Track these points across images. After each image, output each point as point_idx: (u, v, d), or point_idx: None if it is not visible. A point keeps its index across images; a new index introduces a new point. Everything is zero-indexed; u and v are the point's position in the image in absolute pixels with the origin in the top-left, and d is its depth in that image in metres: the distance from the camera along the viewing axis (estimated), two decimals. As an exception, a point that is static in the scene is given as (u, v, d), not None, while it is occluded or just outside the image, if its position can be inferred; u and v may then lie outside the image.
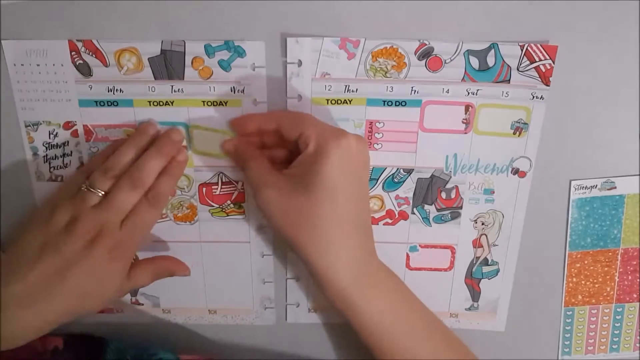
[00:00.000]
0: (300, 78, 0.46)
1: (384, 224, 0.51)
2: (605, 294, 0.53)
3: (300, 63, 0.46)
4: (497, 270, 0.52)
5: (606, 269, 0.52)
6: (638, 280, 0.52)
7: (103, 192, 0.43)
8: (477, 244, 0.51)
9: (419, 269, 0.52)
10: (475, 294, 0.53)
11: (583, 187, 0.49)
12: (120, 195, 0.43)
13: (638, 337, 0.54)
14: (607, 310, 0.53)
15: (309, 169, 0.42)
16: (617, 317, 0.53)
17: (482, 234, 0.51)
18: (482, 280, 0.52)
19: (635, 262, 0.52)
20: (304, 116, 0.45)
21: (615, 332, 0.54)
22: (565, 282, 0.52)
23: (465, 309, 0.53)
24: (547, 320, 0.54)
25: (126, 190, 0.43)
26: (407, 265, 0.52)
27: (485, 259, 0.51)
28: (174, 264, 0.50)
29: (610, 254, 0.51)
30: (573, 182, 0.49)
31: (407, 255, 0.52)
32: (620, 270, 0.52)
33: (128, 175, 0.44)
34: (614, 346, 0.54)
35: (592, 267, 0.52)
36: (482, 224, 0.50)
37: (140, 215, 0.44)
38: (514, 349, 0.55)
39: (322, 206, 0.41)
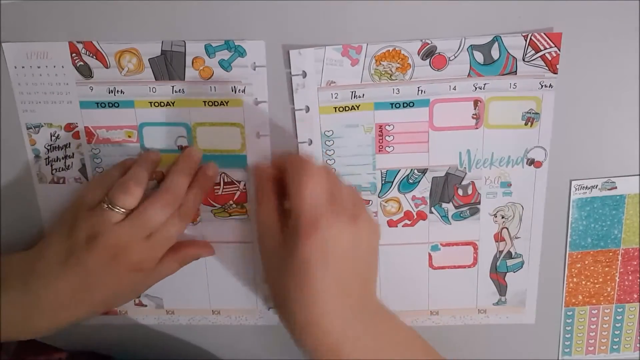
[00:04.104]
0: (305, 89, 0.43)
1: (403, 226, 0.48)
2: (605, 294, 0.49)
3: (304, 74, 0.43)
4: (522, 263, 0.48)
5: (607, 269, 0.48)
6: (638, 280, 0.49)
7: (124, 210, 0.40)
8: (498, 237, 0.48)
9: (443, 268, 0.49)
10: (502, 288, 0.49)
11: (583, 187, 0.46)
12: (151, 214, 0.41)
13: (638, 338, 0.51)
14: (608, 311, 0.50)
15: (290, 240, 0.38)
16: (618, 318, 0.50)
17: (503, 228, 0.48)
18: (508, 273, 0.49)
19: (635, 263, 0.48)
20: (301, 183, 0.38)
21: (616, 332, 0.51)
22: (565, 282, 0.49)
23: (493, 304, 0.50)
24: (547, 320, 0.50)
25: (158, 210, 0.41)
26: (430, 265, 0.49)
27: (509, 252, 0.48)
28: (197, 247, 0.47)
29: (610, 254, 0.48)
30: (573, 182, 0.46)
31: (429, 255, 0.48)
32: (621, 270, 0.49)
33: (160, 196, 0.41)
34: (614, 346, 0.51)
35: (592, 268, 0.48)
36: (502, 217, 0.47)
37: (168, 230, 0.42)
38: (515, 348, 0.51)
39: (305, 275, 0.37)
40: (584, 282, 0.49)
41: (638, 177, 0.46)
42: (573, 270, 0.48)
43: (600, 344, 0.51)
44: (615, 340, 0.50)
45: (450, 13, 0.42)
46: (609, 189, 0.46)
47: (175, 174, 0.43)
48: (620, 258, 0.48)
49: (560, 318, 0.50)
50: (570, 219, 0.47)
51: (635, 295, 0.49)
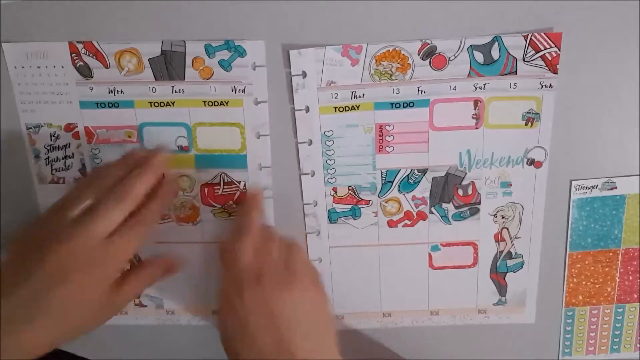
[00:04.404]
0: (306, 89, 0.43)
1: (403, 226, 0.47)
2: (605, 294, 0.49)
3: (304, 74, 0.43)
4: (522, 263, 0.48)
5: (607, 269, 0.48)
6: (639, 280, 0.48)
7: (84, 205, 0.38)
8: (499, 238, 0.47)
9: (443, 268, 0.48)
10: (502, 289, 0.49)
11: (583, 187, 0.46)
12: (104, 208, 0.38)
13: (638, 338, 0.50)
14: (608, 311, 0.49)
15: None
16: (618, 318, 0.50)
17: (503, 228, 0.47)
18: (508, 274, 0.48)
19: (635, 263, 0.48)
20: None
21: (616, 332, 0.50)
22: (565, 282, 0.48)
23: (493, 304, 0.49)
24: (547, 320, 0.50)
25: (110, 204, 0.38)
26: (430, 265, 0.48)
27: (509, 253, 0.48)
28: (161, 266, 0.45)
29: (610, 254, 0.47)
30: (574, 182, 0.46)
31: (430, 255, 0.48)
32: (621, 270, 0.48)
33: (113, 190, 0.39)
34: (614, 347, 0.50)
35: (592, 268, 0.48)
36: (502, 217, 0.47)
37: (122, 235, 0.39)
38: (515, 348, 0.51)
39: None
40: (584, 282, 0.48)
41: (638, 177, 0.45)
42: (573, 270, 0.48)
43: (601, 344, 0.50)
44: (615, 340, 0.50)
45: (450, 13, 0.41)
46: (609, 189, 0.45)
47: (133, 173, 0.40)
48: (620, 258, 0.47)
49: (560, 318, 0.49)
50: (570, 219, 0.46)
51: (636, 295, 0.48)
